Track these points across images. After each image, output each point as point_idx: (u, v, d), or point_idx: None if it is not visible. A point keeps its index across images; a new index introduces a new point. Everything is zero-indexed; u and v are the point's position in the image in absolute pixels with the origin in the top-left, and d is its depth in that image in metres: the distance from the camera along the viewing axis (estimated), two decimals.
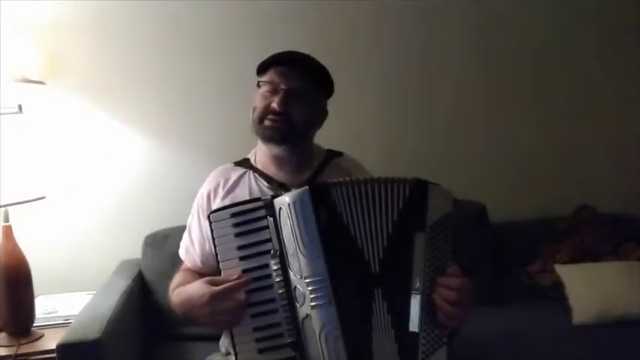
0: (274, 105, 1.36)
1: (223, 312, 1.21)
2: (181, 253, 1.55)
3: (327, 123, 2.19)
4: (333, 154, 1.52)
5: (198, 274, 1.47)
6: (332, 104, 2.32)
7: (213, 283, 1.23)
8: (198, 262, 1.48)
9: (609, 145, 2.61)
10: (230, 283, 1.20)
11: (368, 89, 2.42)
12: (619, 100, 2.62)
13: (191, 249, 1.50)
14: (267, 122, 1.38)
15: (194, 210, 1.52)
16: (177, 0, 2.28)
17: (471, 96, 2.52)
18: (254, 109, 1.42)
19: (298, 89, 1.38)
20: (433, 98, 2.50)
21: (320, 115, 1.47)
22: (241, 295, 1.20)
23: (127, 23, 2.26)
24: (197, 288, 1.25)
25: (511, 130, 2.56)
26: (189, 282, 1.37)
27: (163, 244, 2.11)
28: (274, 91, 1.38)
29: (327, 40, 2.36)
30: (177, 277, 1.47)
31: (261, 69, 1.43)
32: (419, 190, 1.20)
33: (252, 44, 2.31)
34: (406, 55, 2.46)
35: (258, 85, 1.42)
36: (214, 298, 1.20)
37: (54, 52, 2.21)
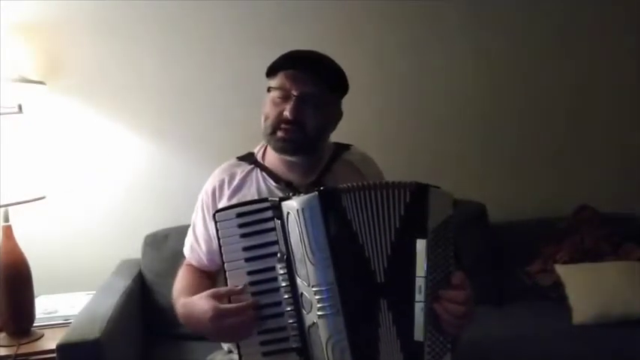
0: (286, 114, 1.30)
1: (227, 328, 1.18)
2: (186, 251, 1.52)
3: None
4: (340, 148, 1.49)
5: (203, 272, 1.46)
6: None
7: (217, 297, 1.20)
8: (204, 260, 1.46)
9: (609, 145, 2.61)
10: (234, 306, 1.17)
11: (367, 89, 2.41)
12: (619, 100, 2.62)
13: (196, 246, 1.47)
14: (279, 133, 1.32)
15: (198, 207, 1.48)
16: (177, 0, 2.28)
17: (471, 95, 2.52)
18: (266, 117, 1.35)
19: (311, 94, 1.31)
20: (433, 98, 2.50)
21: (335, 117, 1.41)
22: (247, 314, 1.17)
23: (127, 23, 2.26)
24: (201, 302, 1.22)
25: (511, 129, 2.56)
26: (192, 284, 1.37)
27: (163, 244, 2.11)
28: (286, 97, 1.32)
29: (326, 39, 2.35)
30: (180, 279, 1.44)
31: (271, 71, 1.35)
32: (419, 195, 1.16)
33: (252, 44, 2.31)
34: (406, 55, 2.46)
35: (269, 90, 1.36)
36: (218, 316, 1.17)
37: (54, 52, 2.21)
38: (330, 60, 1.38)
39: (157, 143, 2.31)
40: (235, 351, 1.22)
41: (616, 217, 2.37)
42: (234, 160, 1.49)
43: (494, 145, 2.54)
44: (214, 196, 1.43)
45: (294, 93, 1.30)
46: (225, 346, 1.49)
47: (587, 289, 2.10)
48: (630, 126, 2.63)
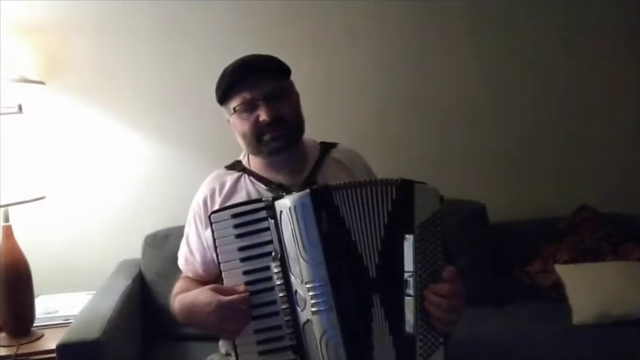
0: (264, 118, 1.33)
1: (229, 321, 1.21)
2: (180, 263, 1.53)
3: (326, 122, 2.17)
4: (327, 147, 1.51)
5: (200, 282, 1.46)
6: (332, 104, 2.33)
7: (220, 292, 1.22)
8: (199, 270, 1.47)
9: (609, 145, 2.61)
10: (237, 296, 1.20)
11: (367, 89, 2.41)
12: (619, 100, 2.61)
13: (190, 258, 1.49)
14: (266, 137, 1.36)
15: (190, 218, 1.49)
16: (177, 0, 2.28)
17: (471, 95, 2.52)
18: (244, 135, 1.39)
19: (272, 90, 1.35)
20: (433, 98, 2.49)
21: (298, 97, 1.45)
22: (247, 306, 1.20)
23: (127, 23, 2.26)
24: (203, 295, 1.25)
25: (511, 130, 2.55)
26: (190, 289, 1.37)
27: (163, 244, 2.11)
28: (252, 107, 1.35)
29: (326, 39, 2.36)
30: (178, 287, 1.46)
31: (225, 96, 1.40)
32: (405, 191, 1.19)
33: (252, 44, 2.27)
34: (406, 55, 2.45)
35: (233, 113, 1.39)
36: (221, 307, 1.20)
37: (54, 52, 2.21)
38: (260, 54, 1.41)
39: (157, 143, 2.31)
40: (232, 352, 1.23)
41: (616, 217, 2.37)
42: (222, 170, 1.51)
43: (495, 144, 2.54)
44: (206, 205, 1.44)
45: (259, 97, 1.34)
46: (223, 348, 1.50)
47: (587, 289, 2.09)
48: (630, 126, 2.63)
